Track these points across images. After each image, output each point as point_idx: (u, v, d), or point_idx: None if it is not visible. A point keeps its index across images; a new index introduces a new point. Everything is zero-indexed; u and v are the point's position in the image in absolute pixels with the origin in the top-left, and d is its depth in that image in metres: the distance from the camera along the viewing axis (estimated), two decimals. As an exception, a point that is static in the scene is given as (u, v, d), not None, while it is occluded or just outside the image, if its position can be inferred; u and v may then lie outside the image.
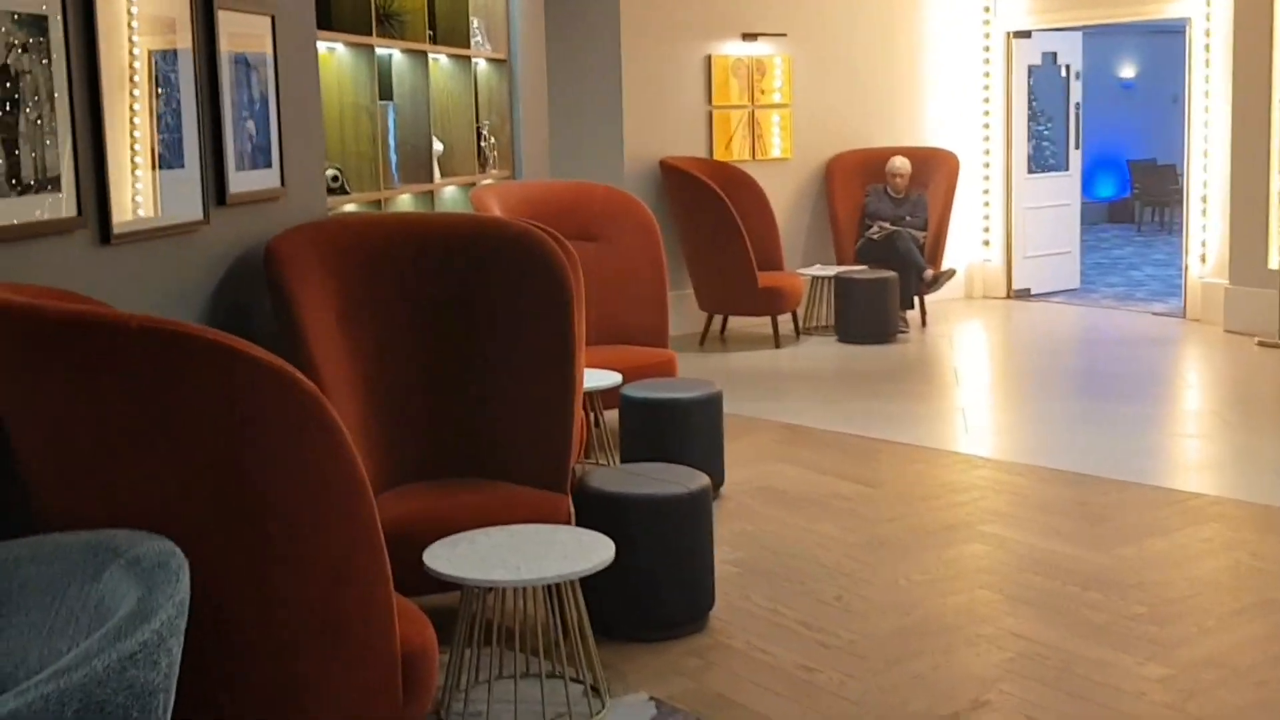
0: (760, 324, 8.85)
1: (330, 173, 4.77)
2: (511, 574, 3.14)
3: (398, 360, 3.96)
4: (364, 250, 3.96)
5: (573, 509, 3.82)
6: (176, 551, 2.03)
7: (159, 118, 3.37)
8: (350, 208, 4.99)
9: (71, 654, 1.68)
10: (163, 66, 3.38)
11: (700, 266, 8.60)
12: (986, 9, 10.20)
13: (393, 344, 3.96)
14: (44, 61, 2.90)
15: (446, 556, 3.26)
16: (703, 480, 3.96)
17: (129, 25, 3.21)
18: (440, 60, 5.95)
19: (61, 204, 2.98)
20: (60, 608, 2.05)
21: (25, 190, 2.85)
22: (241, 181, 3.80)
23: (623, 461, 5.12)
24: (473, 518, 3.59)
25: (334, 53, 4.91)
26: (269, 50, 3.96)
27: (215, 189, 3.68)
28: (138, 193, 3.27)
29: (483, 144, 6.28)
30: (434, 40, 5.72)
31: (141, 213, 3.28)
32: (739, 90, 9.15)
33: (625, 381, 5.43)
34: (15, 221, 2.83)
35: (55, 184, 2.96)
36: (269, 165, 3.98)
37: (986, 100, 10.29)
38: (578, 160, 8.23)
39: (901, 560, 4.48)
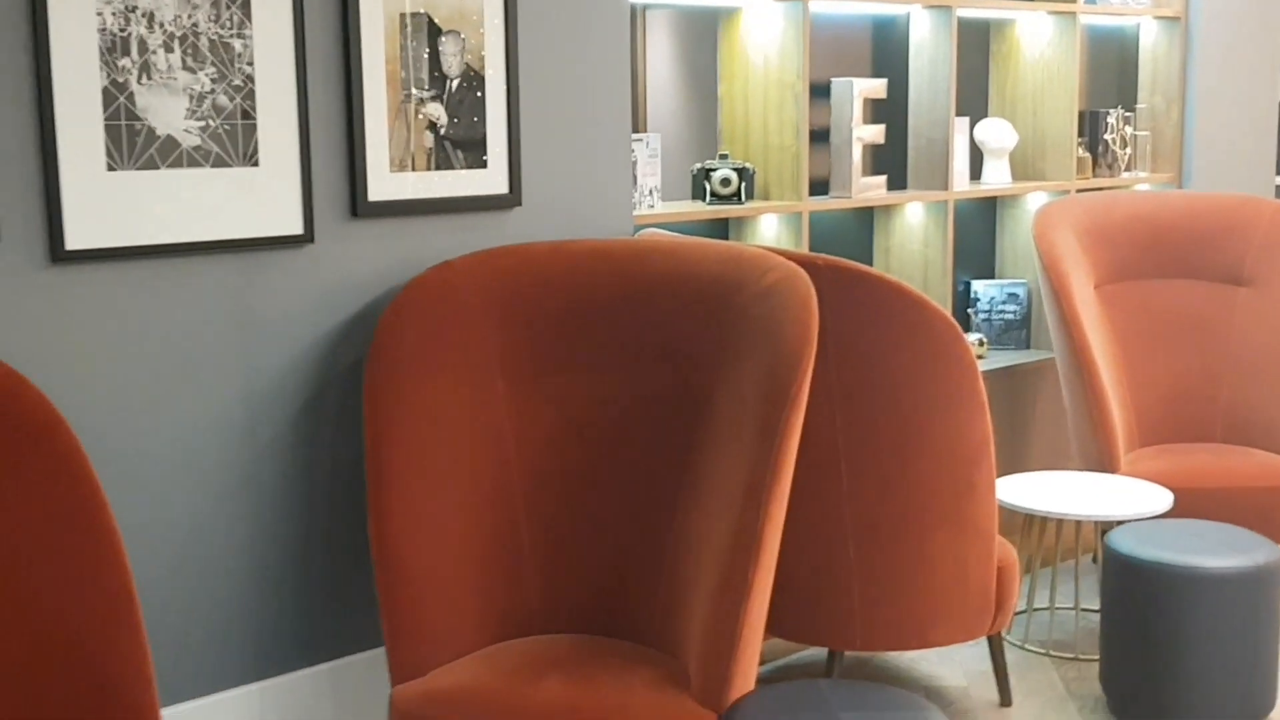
0: None
1: (721, 174, 3.55)
2: None
3: (573, 458, 2.73)
4: (555, 295, 2.77)
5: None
6: None
7: (196, 98, 2.53)
8: (770, 224, 3.70)
9: None
10: (207, 32, 2.53)
11: None
12: None
13: (572, 432, 2.74)
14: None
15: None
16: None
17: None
18: (1039, 17, 4.32)
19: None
20: None
21: None
22: (403, 186, 2.81)
23: (1103, 647, 3.26)
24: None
25: (745, 11, 3.65)
26: (487, 5, 2.90)
27: (346, 194, 2.75)
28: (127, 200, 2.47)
29: (1107, 136, 4.47)
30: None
31: (138, 223, 2.48)
32: None
33: (1177, 510, 3.50)
34: None
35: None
36: (480, 165, 2.94)
37: None
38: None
39: None
